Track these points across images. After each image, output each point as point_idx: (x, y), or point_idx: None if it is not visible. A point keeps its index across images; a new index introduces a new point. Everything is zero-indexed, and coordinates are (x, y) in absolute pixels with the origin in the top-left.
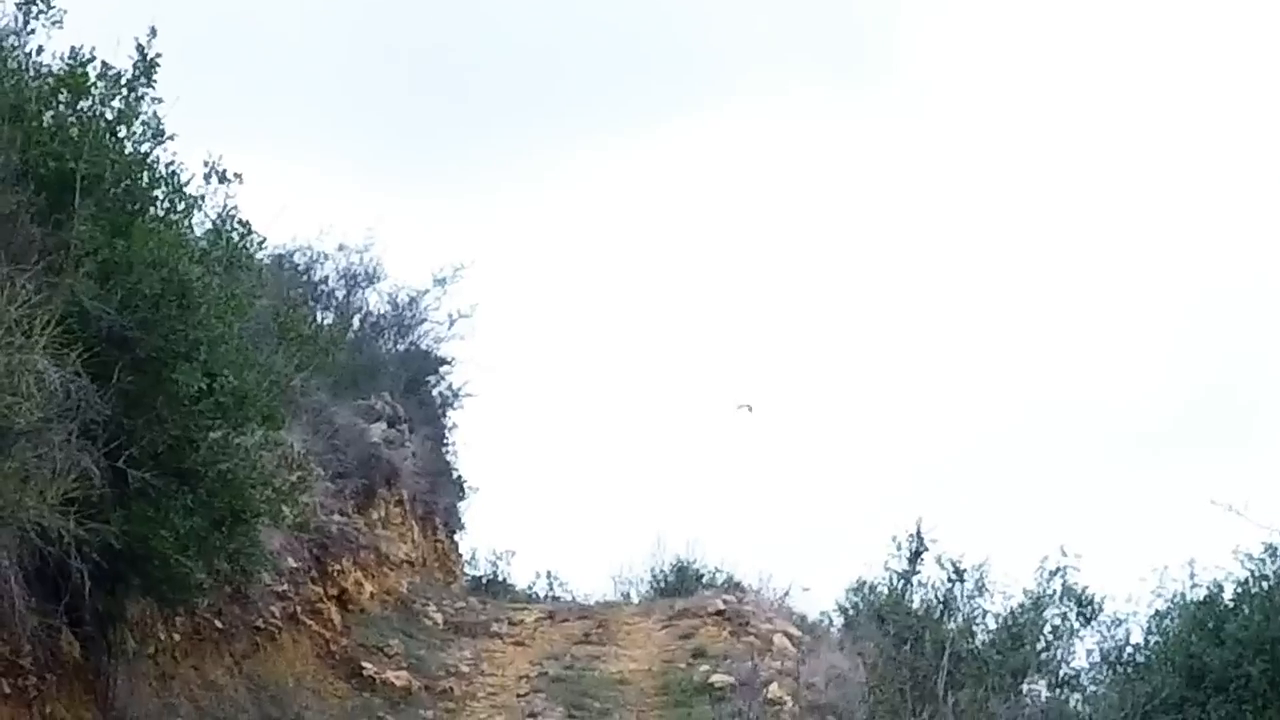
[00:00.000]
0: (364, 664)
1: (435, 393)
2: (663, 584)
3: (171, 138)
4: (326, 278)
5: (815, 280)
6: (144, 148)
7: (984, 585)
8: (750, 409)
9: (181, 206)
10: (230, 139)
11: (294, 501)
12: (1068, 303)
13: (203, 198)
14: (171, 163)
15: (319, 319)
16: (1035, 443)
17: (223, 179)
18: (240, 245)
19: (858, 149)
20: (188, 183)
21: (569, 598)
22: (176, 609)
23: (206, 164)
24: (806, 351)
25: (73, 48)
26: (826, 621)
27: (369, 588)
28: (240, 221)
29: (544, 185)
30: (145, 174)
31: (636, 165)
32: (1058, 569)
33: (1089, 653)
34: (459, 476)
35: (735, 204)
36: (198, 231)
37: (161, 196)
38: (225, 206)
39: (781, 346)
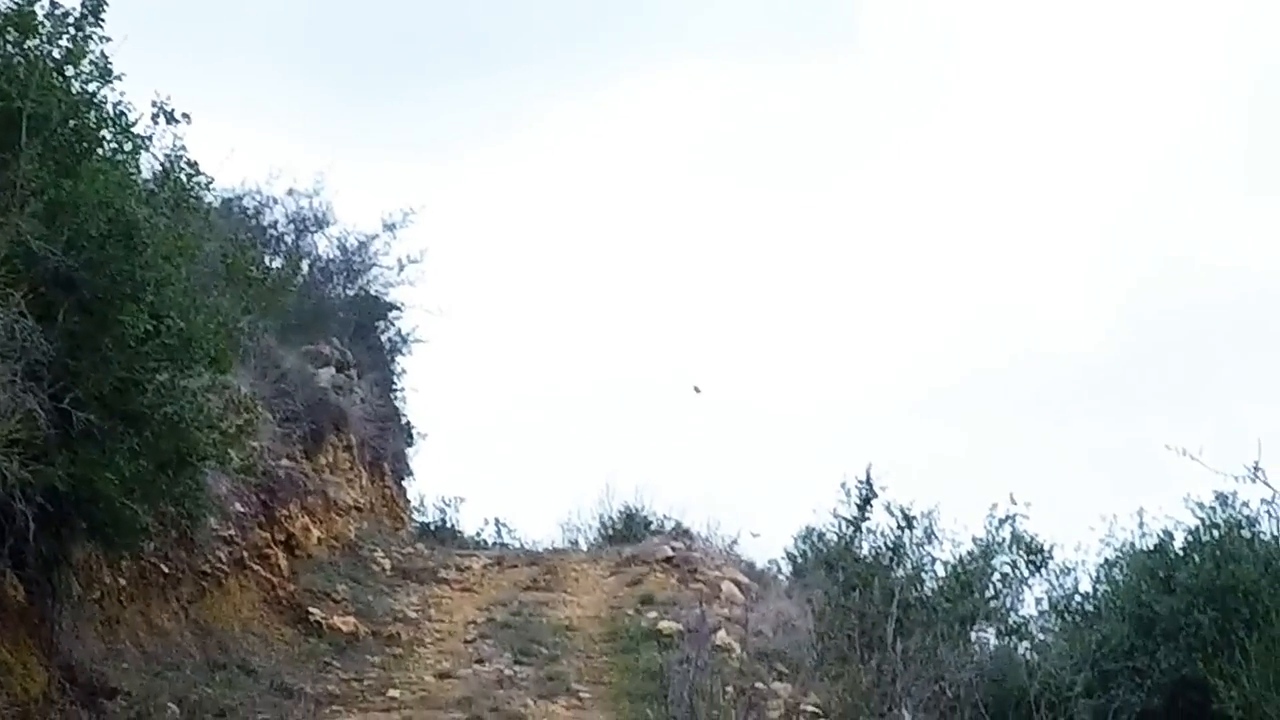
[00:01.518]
0: (311, 609)
1: (384, 338)
2: (611, 531)
3: (119, 78)
4: (275, 222)
5: (768, 235)
6: (91, 87)
7: (933, 533)
8: (699, 390)
9: (129, 147)
10: (179, 80)
11: (241, 445)
12: (1020, 254)
13: (150, 138)
14: (119, 103)
15: (268, 263)
16: (985, 391)
17: (171, 119)
18: (188, 186)
19: (815, 106)
20: (135, 123)
21: (517, 544)
22: (122, 553)
23: (154, 104)
24: (758, 303)
25: None
26: (775, 569)
27: (316, 533)
28: (188, 163)
29: (499, 134)
30: (92, 114)
31: (593, 119)
32: (1007, 517)
33: (1038, 601)
34: (408, 422)
35: (691, 160)
36: (145, 172)
37: (109, 137)
38: (173, 147)
39: (733, 298)
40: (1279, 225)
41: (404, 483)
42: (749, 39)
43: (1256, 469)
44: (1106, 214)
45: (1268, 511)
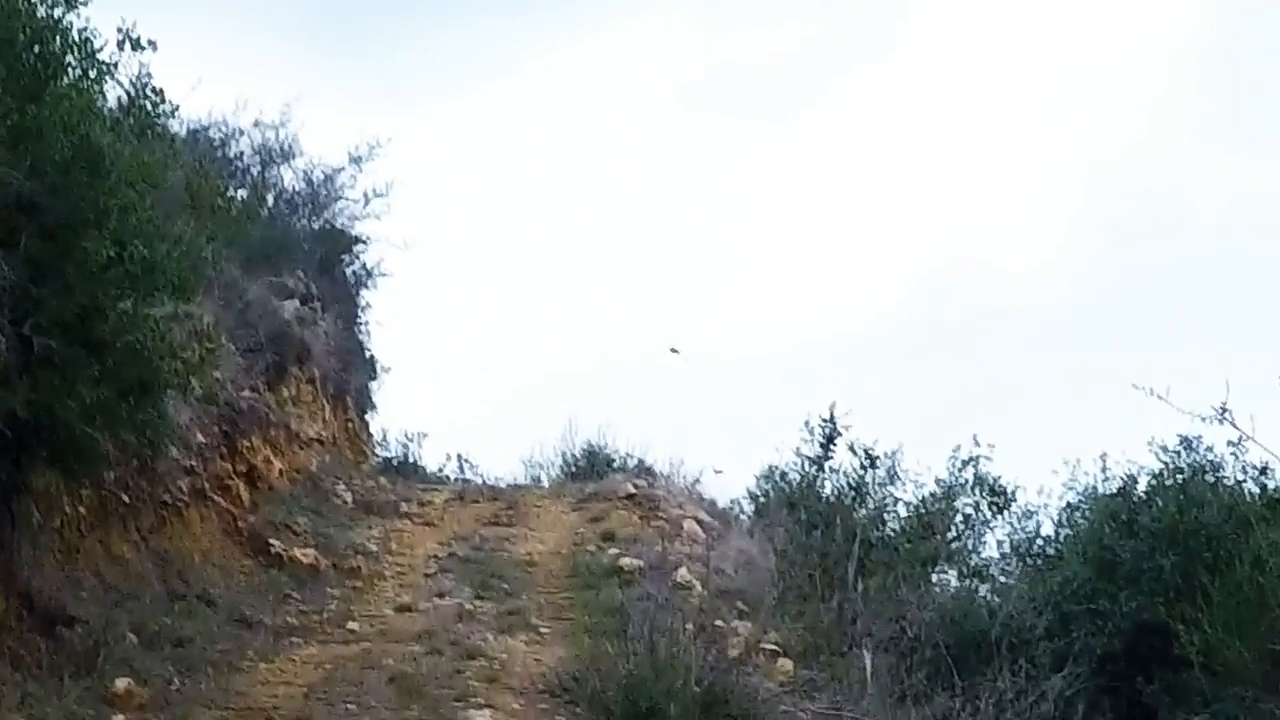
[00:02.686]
0: (271, 541)
1: (349, 271)
2: (574, 468)
3: (85, 3)
4: (241, 153)
5: (737, 179)
6: (57, 12)
7: (896, 473)
8: (676, 351)
9: (94, 73)
10: (145, 5)
11: (203, 375)
12: (985, 196)
13: (115, 65)
14: (85, 29)
15: (233, 194)
16: (947, 333)
17: (136, 46)
18: (153, 114)
19: (783, 50)
20: (100, 49)
21: (479, 480)
22: (82, 481)
23: (120, 30)
24: (727, 246)
25: None
26: (737, 508)
27: (278, 465)
28: (153, 90)
29: (471, 81)
30: (57, 39)
31: (564, 66)
32: (970, 458)
33: (999, 543)
34: (371, 356)
35: (660, 104)
36: (110, 100)
37: (74, 63)
38: (139, 74)
39: (702, 241)
40: (1243, 176)
41: (367, 417)
42: None
43: (1224, 410)
44: (1074, 156)
45: (1233, 455)
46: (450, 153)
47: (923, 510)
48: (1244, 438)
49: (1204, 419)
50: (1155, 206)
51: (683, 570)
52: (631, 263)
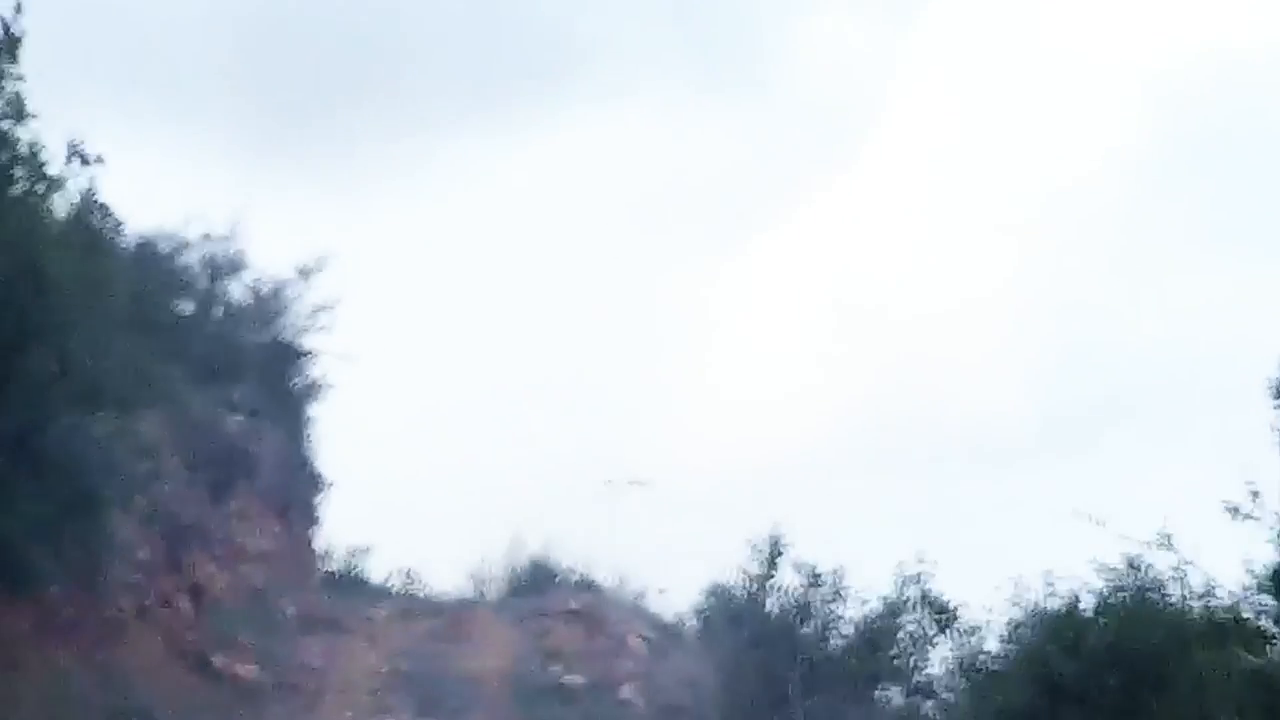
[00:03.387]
0: (213, 657)
1: (295, 385)
2: (519, 582)
3: (34, 117)
4: (189, 266)
5: (680, 282)
6: (5, 125)
7: (841, 591)
8: (641, 483)
9: (41, 188)
10: (95, 121)
11: (146, 490)
12: (928, 317)
13: (64, 180)
14: (34, 143)
15: (180, 307)
16: (892, 454)
17: (85, 161)
18: (100, 229)
19: (726, 152)
20: (48, 165)
21: (423, 594)
22: (24, 597)
23: (69, 145)
24: (672, 359)
25: None
26: (682, 624)
27: (222, 580)
28: (100, 206)
29: (415, 175)
30: (6, 153)
31: (507, 163)
32: (915, 576)
33: (944, 660)
34: (316, 470)
35: (601, 204)
36: (58, 214)
37: (21, 176)
38: (87, 189)
39: (645, 351)
40: (1195, 299)
41: (311, 530)
42: (659, 84)
43: (1166, 537)
44: (1022, 275)
45: (1176, 577)
46: (397, 258)
47: (867, 628)
48: (1185, 562)
49: (1147, 544)
50: (1105, 332)
51: (626, 687)
52: (580, 376)
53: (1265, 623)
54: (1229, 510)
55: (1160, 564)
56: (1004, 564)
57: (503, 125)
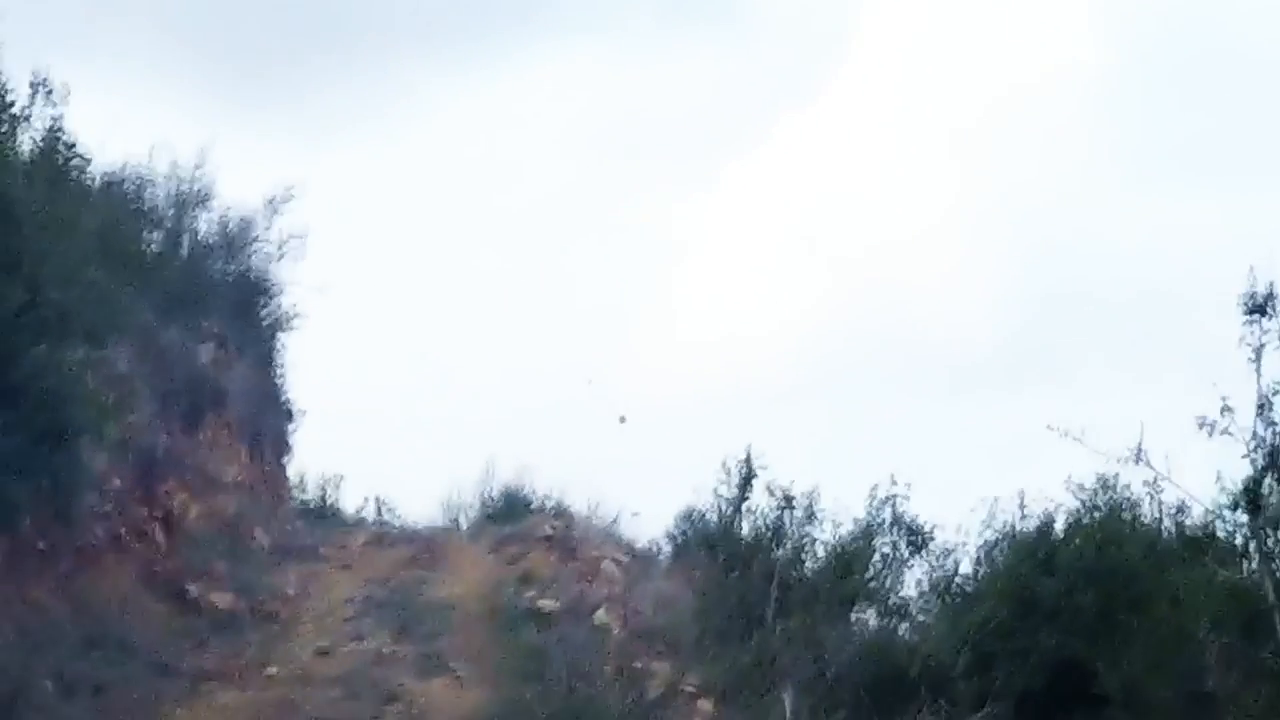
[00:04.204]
0: (188, 586)
1: (265, 316)
2: (492, 510)
3: None
4: (157, 199)
5: (650, 214)
6: None
7: (814, 513)
8: (624, 420)
9: (6, 124)
10: (61, 53)
11: (118, 420)
12: (903, 236)
13: (29, 114)
14: None
15: (149, 240)
16: (866, 374)
17: (50, 94)
18: (67, 164)
19: (694, 85)
20: (13, 104)
21: (398, 523)
22: None
23: (34, 78)
24: (642, 285)
25: None
26: (655, 548)
27: (195, 509)
28: (66, 143)
29: (381, 113)
30: None
31: (474, 98)
32: (888, 498)
33: (918, 582)
34: (288, 400)
35: (571, 138)
36: (23, 149)
37: None
38: (53, 123)
39: (617, 279)
40: (1158, 217)
41: (284, 460)
42: (626, 16)
43: (1140, 452)
44: (990, 198)
45: (1150, 495)
46: (366, 194)
47: (841, 550)
48: (1159, 478)
49: (1120, 460)
50: (1078, 250)
51: (601, 611)
52: (549, 305)
53: (1239, 538)
54: (1201, 425)
55: (1134, 482)
56: (978, 486)
57: (470, 60)
